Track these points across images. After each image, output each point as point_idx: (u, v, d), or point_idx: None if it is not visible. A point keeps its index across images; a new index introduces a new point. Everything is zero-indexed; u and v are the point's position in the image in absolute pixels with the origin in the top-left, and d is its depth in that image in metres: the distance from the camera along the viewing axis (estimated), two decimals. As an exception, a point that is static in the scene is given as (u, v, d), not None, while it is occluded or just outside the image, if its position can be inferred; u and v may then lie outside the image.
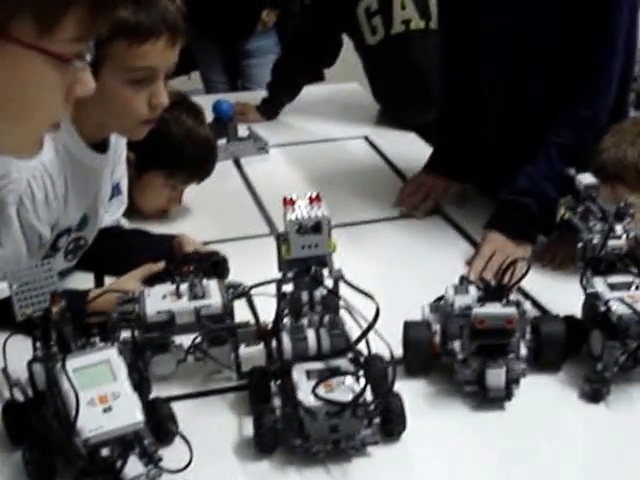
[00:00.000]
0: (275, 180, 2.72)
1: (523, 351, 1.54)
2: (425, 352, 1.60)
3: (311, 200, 1.47)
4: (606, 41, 2.08)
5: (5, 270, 1.71)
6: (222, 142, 2.88)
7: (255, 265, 1.68)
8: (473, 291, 1.60)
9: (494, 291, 1.55)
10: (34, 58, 0.99)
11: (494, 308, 1.50)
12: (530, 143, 2.15)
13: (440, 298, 1.67)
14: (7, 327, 1.50)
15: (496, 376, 1.50)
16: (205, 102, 3.09)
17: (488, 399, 1.51)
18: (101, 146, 1.90)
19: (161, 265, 1.87)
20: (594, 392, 1.55)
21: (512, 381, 1.51)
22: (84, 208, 1.92)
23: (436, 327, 1.62)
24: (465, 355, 1.51)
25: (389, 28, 3.11)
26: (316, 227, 1.45)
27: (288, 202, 1.47)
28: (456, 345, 1.53)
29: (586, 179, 1.72)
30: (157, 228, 2.23)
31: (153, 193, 2.35)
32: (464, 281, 1.65)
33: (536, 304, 1.90)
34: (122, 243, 2.12)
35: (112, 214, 2.14)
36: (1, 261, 1.75)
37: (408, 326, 1.63)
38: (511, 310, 1.49)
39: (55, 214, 1.82)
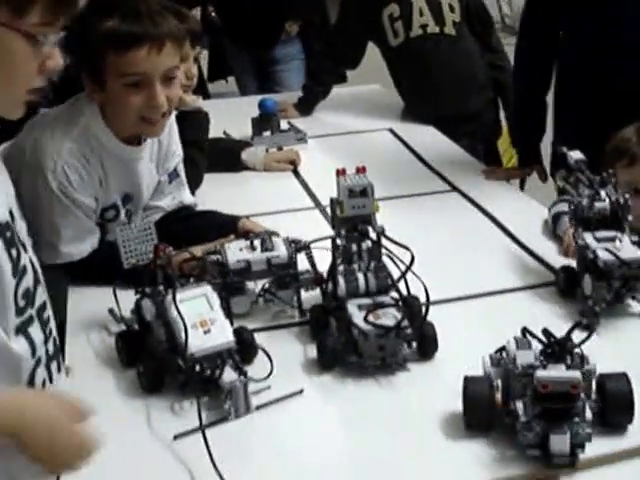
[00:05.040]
0: (313, 164, 3.00)
1: (588, 414, 1.37)
2: (485, 409, 1.45)
3: (358, 170, 1.74)
4: None
5: (80, 232, 2.04)
6: (267, 133, 3.18)
7: (302, 230, 2.00)
8: (535, 345, 1.45)
9: (557, 347, 1.42)
10: (10, 36, 1.22)
11: (558, 371, 1.36)
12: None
13: (501, 349, 1.52)
14: (92, 281, 1.97)
15: (560, 441, 1.34)
16: (246, 103, 3.39)
17: (552, 465, 1.36)
18: (136, 140, 2.09)
19: (231, 239, 2.05)
20: (587, 324, 1.79)
21: (576, 446, 1.35)
22: (125, 188, 2.13)
23: (497, 382, 1.46)
24: (528, 417, 1.36)
25: (409, 31, 3.37)
26: (363, 192, 1.71)
27: (340, 172, 1.73)
28: (519, 406, 1.38)
29: (576, 155, 1.97)
30: (218, 206, 2.42)
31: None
32: (526, 334, 1.48)
33: (541, 260, 2.15)
34: (191, 225, 2.28)
35: (174, 197, 2.32)
36: (78, 226, 2.03)
37: (468, 381, 1.48)
38: (576, 374, 1.34)
39: (93, 188, 2.02)
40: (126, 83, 1.91)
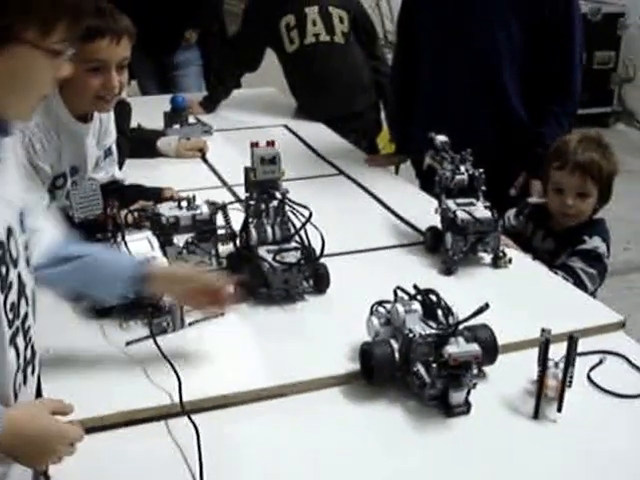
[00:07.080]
0: (219, 152, 3.44)
1: (474, 368, 1.65)
2: (388, 373, 1.72)
3: (268, 143, 2.17)
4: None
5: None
6: (177, 126, 3.59)
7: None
8: (416, 305, 1.75)
9: (429, 302, 1.75)
10: (35, 54, 1.27)
11: (461, 346, 1.65)
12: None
13: (380, 302, 1.83)
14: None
15: (459, 395, 1.66)
16: (148, 102, 3.92)
17: (452, 414, 1.67)
18: (85, 117, 2.43)
19: (150, 204, 2.43)
20: (447, 269, 2.28)
21: (468, 394, 1.67)
22: (73, 160, 2.47)
23: (391, 341, 1.73)
24: (432, 378, 1.65)
25: (303, 39, 3.83)
26: (272, 160, 2.14)
27: (254, 144, 2.16)
28: (421, 369, 1.66)
29: (441, 138, 2.42)
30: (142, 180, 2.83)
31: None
32: (400, 293, 1.80)
33: (411, 225, 2.63)
34: (121, 195, 2.51)
35: (107, 171, 2.68)
36: (35, 191, 2.32)
37: (371, 346, 1.74)
38: (478, 349, 1.64)
39: (50, 157, 2.37)
40: (88, 68, 2.25)
